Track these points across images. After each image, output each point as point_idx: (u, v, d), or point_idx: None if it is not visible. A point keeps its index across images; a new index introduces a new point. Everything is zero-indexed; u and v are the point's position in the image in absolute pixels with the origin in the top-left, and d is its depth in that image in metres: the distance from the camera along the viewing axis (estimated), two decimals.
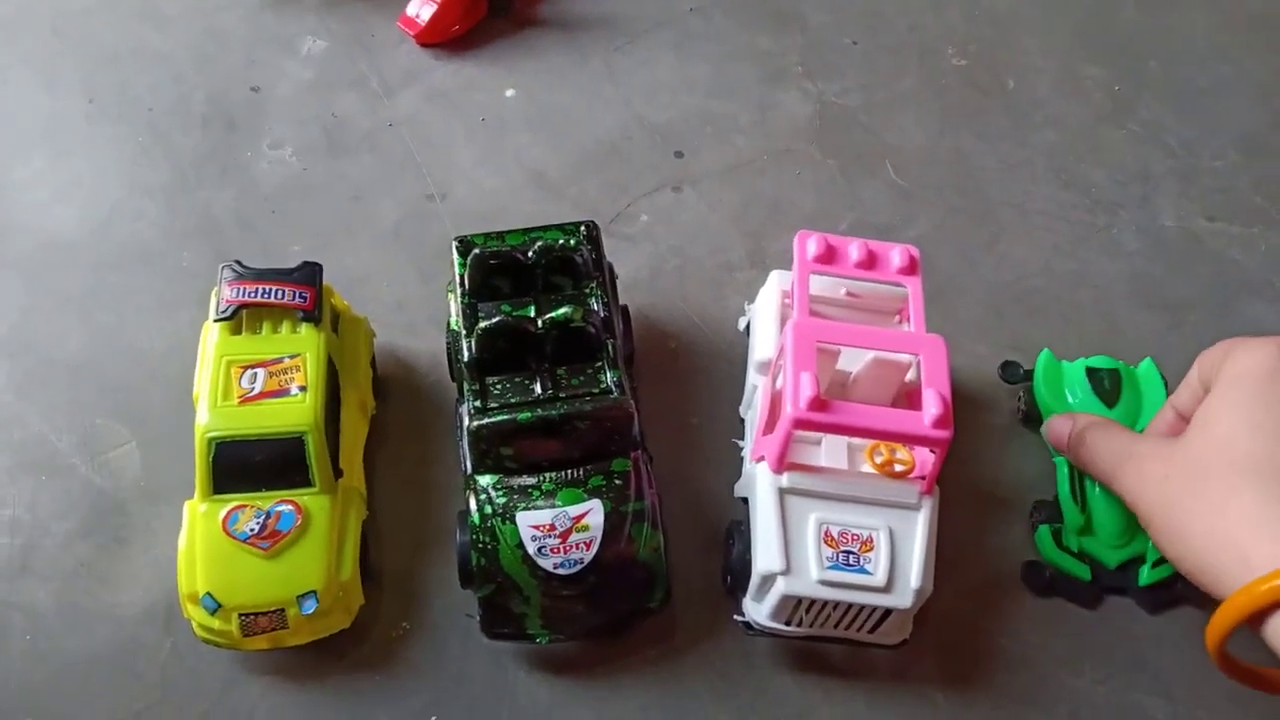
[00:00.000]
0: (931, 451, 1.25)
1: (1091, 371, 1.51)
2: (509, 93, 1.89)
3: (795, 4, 2.04)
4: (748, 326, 1.54)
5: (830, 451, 1.31)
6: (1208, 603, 1.37)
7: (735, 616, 1.32)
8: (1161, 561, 1.42)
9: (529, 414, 1.25)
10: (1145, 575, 1.42)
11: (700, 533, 1.43)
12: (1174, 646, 1.41)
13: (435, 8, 1.89)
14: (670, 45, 1.97)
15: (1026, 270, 1.72)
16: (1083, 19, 2.06)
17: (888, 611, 1.23)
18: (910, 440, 1.23)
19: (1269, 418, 1.13)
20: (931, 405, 1.20)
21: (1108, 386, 1.50)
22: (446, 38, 1.92)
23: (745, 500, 1.35)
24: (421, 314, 1.62)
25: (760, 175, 1.80)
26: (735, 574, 1.32)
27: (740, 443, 1.46)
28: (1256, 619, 1.05)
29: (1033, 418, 1.55)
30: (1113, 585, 1.43)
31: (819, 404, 1.20)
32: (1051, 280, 1.72)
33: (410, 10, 1.92)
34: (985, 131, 1.89)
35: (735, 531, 1.35)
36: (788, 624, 1.27)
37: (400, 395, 1.54)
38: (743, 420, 1.49)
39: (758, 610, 1.28)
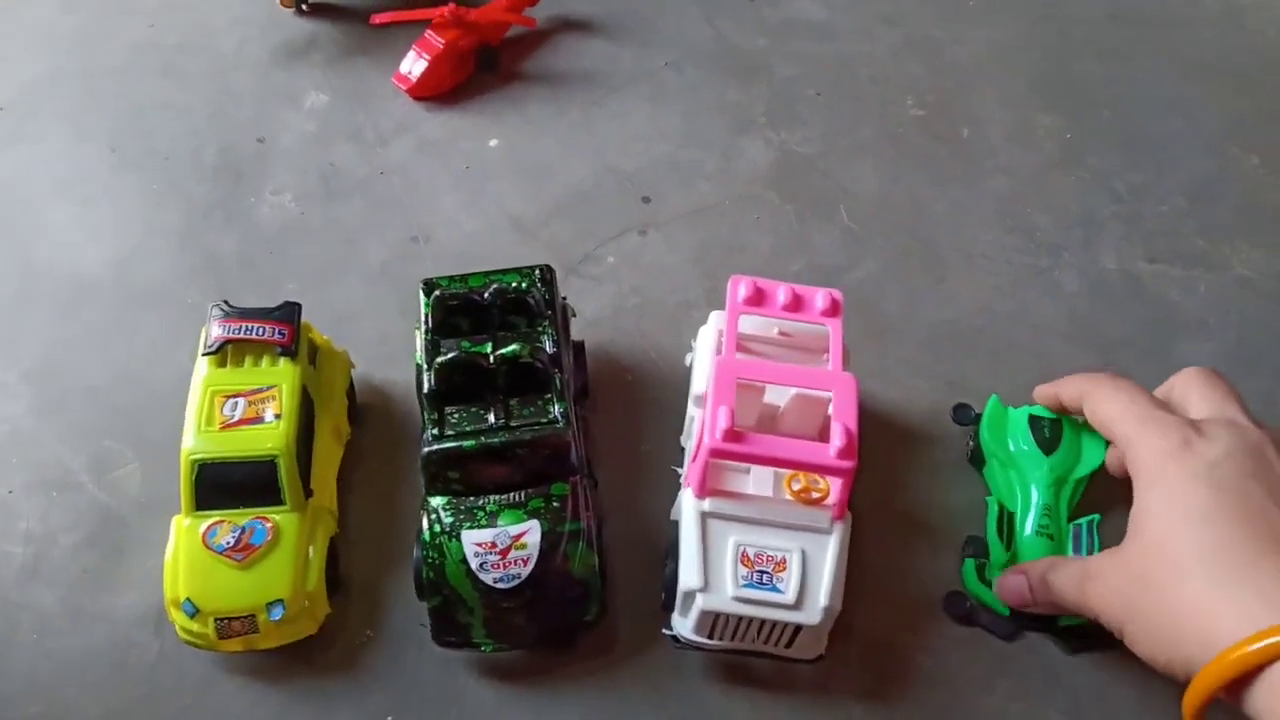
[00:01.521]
0: (838, 480, 1.36)
1: (1034, 420, 1.59)
2: (492, 142, 2.04)
3: (765, 58, 2.17)
4: (691, 362, 1.67)
5: (758, 480, 1.42)
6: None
7: (664, 630, 1.44)
8: None
9: (473, 442, 1.39)
10: (1066, 618, 1.49)
11: (643, 553, 1.55)
12: (1087, 673, 1.49)
13: (426, 64, 2.06)
14: (645, 97, 2.11)
15: (967, 310, 1.82)
16: (1041, 70, 2.17)
17: (799, 628, 1.34)
18: (817, 469, 1.34)
19: (1189, 506, 1.19)
20: (837, 438, 1.32)
21: (1048, 435, 1.57)
22: (437, 92, 2.08)
23: (678, 523, 1.47)
24: (401, 347, 1.76)
25: (721, 219, 1.93)
26: (670, 592, 1.44)
27: (679, 470, 1.58)
28: (1232, 690, 1.08)
29: (977, 459, 1.64)
30: (1032, 625, 1.50)
31: (733, 435, 1.32)
32: (991, 320, 1.82)
33: (404, 67, 2.08)
34: (938, 178, 2.00)
35: (670, 552, 1.46)
36: (709, 637, 1.38)
37: (376, 421, 1.69)
38: (683, 449, 1.61)
39: (683, 624, 1.40)
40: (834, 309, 1.49)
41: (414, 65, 2.07)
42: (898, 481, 1.64)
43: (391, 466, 1.64)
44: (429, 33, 2.06)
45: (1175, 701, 1.44)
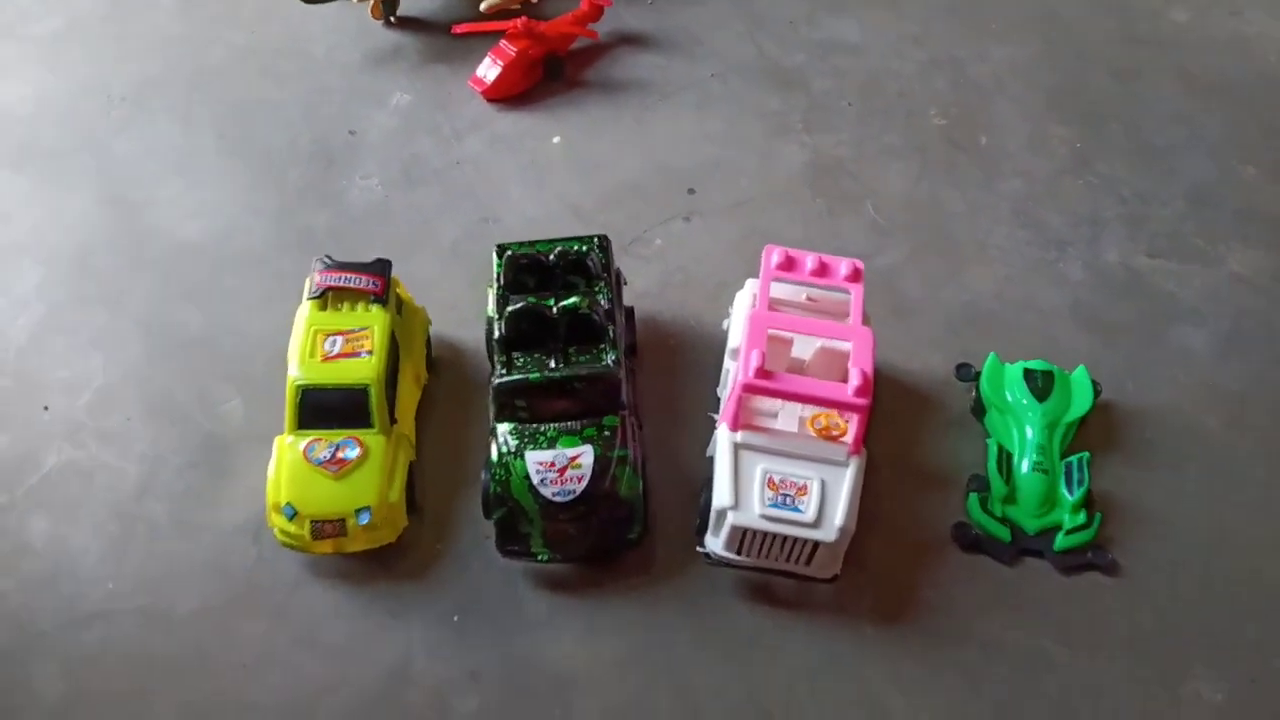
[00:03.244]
0: (855, 416, 1.55)
1: (1028, 372, 1.79)
2: (555, 140, 2.28)
3: (801, 72, 2.40)
4: (728, 326, 1.87)
5: (785, 419, 1.62)
6: (1114, 570, 1.66)
7: (698, 548, 1.63)
8: (1075, 530, 1.68)
9: (538, 374, 1.61)
10: (1060, 541, 1.68)
11: (681, 490, 1.74)
12: (1079, 603, 1.67)
13: (500, 70, 2.31)
14: (692, 105, 2.34)
15: (980, 295, 2.02)
16: (1057, 86, 2.37)
17: (817, 545, 1.53)
18: (835, 406, 1.53)
19: None
20: (854, 379, 1.51)
21: (1040, 385, 1.78)
22: (508, 95, 2.33)
23: (713, 459, 1.67)
24: (470, 312, 1.97)
25: (758, 211, 2.15)
26: (704, 517, 1.63)
27: (715, 416, 1.78)
28: None
29: (979, 410, 1.83)
30: (1030, 548, 1.69)
31: (764, 374, 1.52)
32: (1002, 304, 2.00)
33: (479, 72, 2.33)
34: (958, 180, 2.20)
35: (706, 485, 1.66)
36: (738, 553, 1.57)
37: (448, 374, 1.91)
38: (719, 399, 1.81)
39: (715, 543, 1.59)
40: (856, 275, 1.69)
41: (489, 70, 2.32)
42: (910, 438, 1.82)
43: (461, 412, 1.85)
44: (503, 42, 2.31)
45: (1164, 632, 1.62)
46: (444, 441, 1.82)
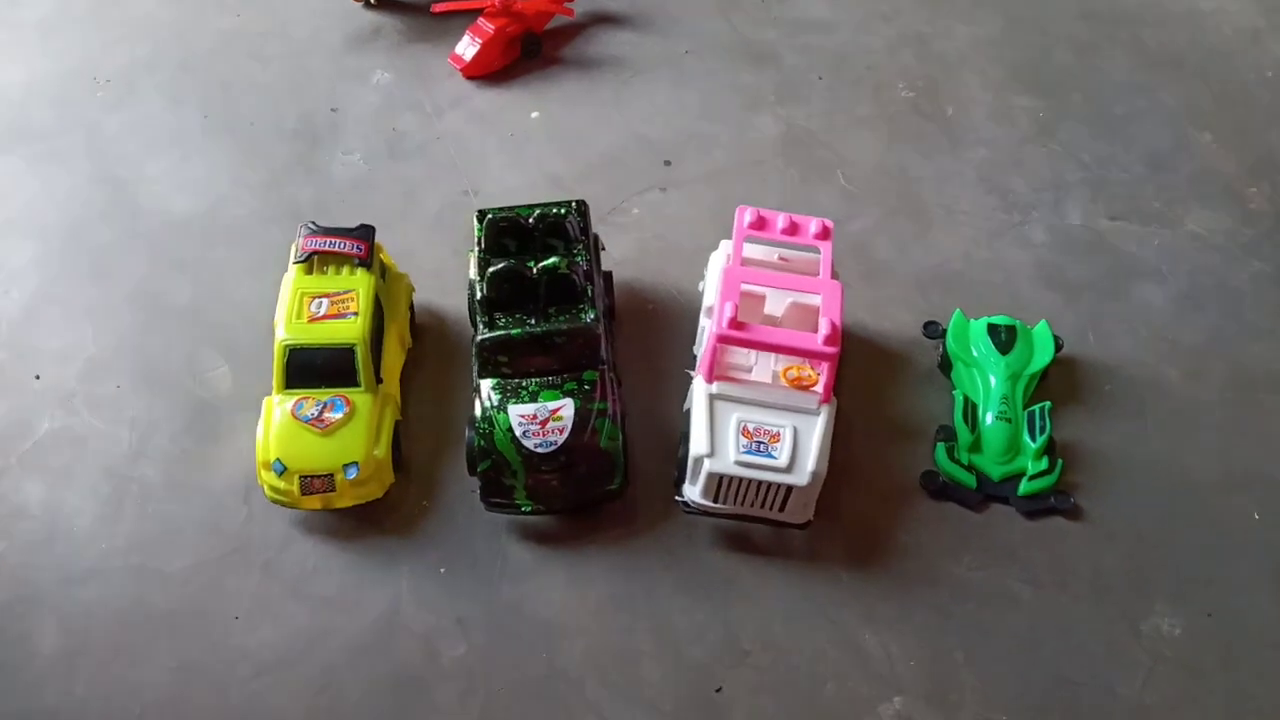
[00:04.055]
0: (825, 365, 1.61)
1: (992, 327, 1.86)
2: (534, 114, 2.33)
3: (774, 48, 2.46)
4: (704, 287, 1.93)
5: (759, 373, 1.68)
6: (1077, 515, 1.72)
7: (676, 498, 1.69)
8: (1038, 476, 1.74)
9: (519, 330, 1.66)
10: (1024, 487, 1.75)
11: (659, 444, 1.80)
12: (1043, 546, 1.73)
13: (478, 48, 2.36)
14: (668, 79, 2.40)
15: (948, 257, 2.08)
16: (1020, 60, 2.44)
17: (790, 489, 1.59)
18: (806, 354, 1.60)
19: None
20: (824, 328, 1.57)
21: (1004, 339, 1.85)
22: (486, 72, 2.38)
23: (689, 412, 1.73)
24: (453, 280, 2.02)
25: (733, 180, 2.21)
26: (682, 469, 1.69)
27: (692, 372, 1.83)
28: None
29: (945, 365, 1.90)
30: (996, 494, 1.76)
31: (737, 325, 1.58)
32: (969, 265, 2.07)
33: (458, 49, 2.39)
34: (925, 149, 2.27)
35: (683, 439, 1.71)
36: (715, 500, 1.63)
37: (431, 339, 1.96)
38: (696, 356, 1.87)
39: (693, 491, 1.65)
40: (825, 233, 1.75)
41: (468, 48, 2.37)
42: (881, 393, 1.89)
43: (444, 375, 1.90)
44: (481, 20, 2.36)
45: (1125, 571, 1.69)
46: (428, 404, 1.87)
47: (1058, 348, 1.87)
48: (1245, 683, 1.62)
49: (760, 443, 1.59)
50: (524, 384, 1.66)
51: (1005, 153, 2.26)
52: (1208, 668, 1.63)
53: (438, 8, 2.41)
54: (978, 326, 1.86)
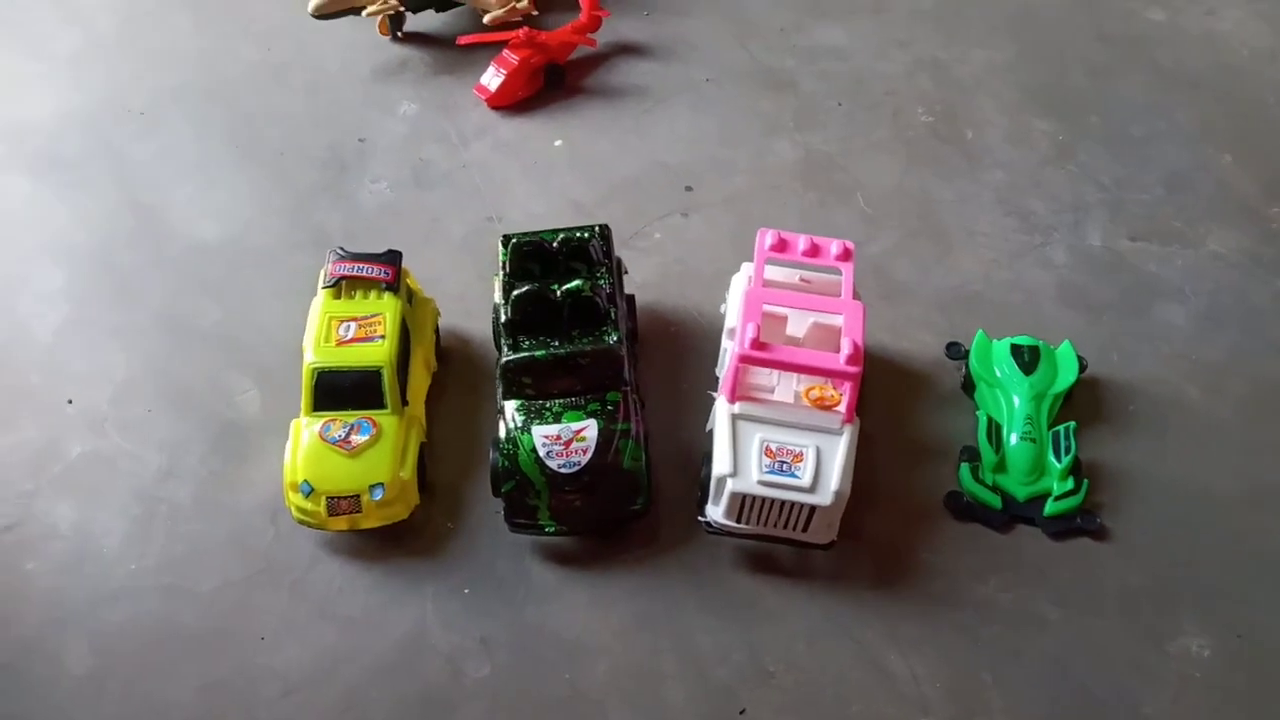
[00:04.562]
0: (847, 385, 1.62)
1: (1015, 348, 1.87)
2: (557, 143, 2.37)
3: (792, 75, 2.49)
4: (725, 309, 1.94)
5: (781, 393, 1.69)
6: (1103, 535, 1.72)
7: (699, 518, 1.69)
8: (1063, 496, 1.74)
9: (544, 351, 1.69)
10: (1049, 507, 1.74)
11: (682, 467, 1.81)
12: (1070, 566, 1.72)
13: (503, 79, 2.40)
14: (688, 107, 2.43)
15: (969, 278, 2.09)
16: (1037, 84, 2.46)
17: (813, 509, 1.59)
18: (828, 374, 1.60)
19: None
20: (846, 348, 1.58)
21: (1027, 359, 1.85)
22: (511, 102, 2.42)
23: (712, 433, 1.73)
24: (478, 305, 2.05)
25: (753, 204, 2.23)
26: (705, 490, 1.69)
27: (714, 394, 1.85)
28: None
29: (969, 385, 1.90)
30: (1021, 515, 1.75)
31: (759, 345, 1.59)
32: (990, 286, 2.08)
33: (483, 80, 2.43)
34: (944, 172, 2.28)
35: (706, 459, 1.72)
36: (738, 521, 1.64)
37: (457, 362, 1.98)
38: (718, 377, 1.88)
39: (715, 511, 1.65)
40: (846, 255, 1.76)
41: (492, 79, 2.41)
42: (904, 414, 1.89)
43: (469, 398, 1.92)
44: (506, 51, 2.41)
45: (1153, 591, 1.68)
46: (453, 426, 1.89)
47: (1082, 368, 1.86)
48: (1277, 706, 1.60)
49: (783, 462, 1.60)
50: (548, 405, 1.68)
51: (1024, 175, 2.27)
52: (1237, 689, 1.61)
53: (463, 40, 2.46)
54: (1000, 347, 1.87)
